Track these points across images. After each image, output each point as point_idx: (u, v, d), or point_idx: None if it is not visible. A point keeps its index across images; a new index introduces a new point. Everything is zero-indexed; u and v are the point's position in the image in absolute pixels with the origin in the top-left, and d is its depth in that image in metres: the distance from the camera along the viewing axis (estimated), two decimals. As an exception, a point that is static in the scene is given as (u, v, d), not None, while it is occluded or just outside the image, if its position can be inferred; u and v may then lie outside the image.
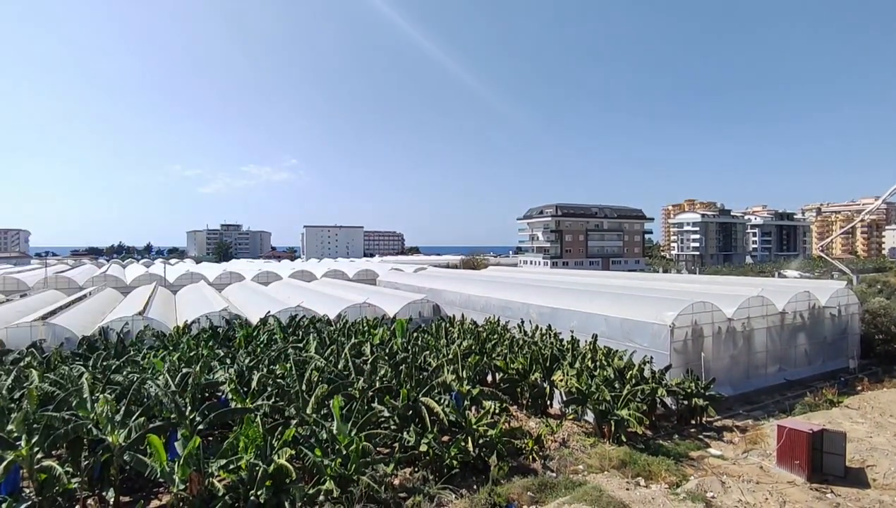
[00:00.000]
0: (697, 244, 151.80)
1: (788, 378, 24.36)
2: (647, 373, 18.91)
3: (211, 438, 14.84)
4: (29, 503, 10.95)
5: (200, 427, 13.15)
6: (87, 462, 12.27)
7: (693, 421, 18.85)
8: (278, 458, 11.25)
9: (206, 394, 17.05)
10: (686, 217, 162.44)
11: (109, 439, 12.02)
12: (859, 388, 23.22)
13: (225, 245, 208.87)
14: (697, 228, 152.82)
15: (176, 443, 11.41)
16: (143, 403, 14.29)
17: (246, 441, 11.61)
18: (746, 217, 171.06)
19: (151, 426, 12.44)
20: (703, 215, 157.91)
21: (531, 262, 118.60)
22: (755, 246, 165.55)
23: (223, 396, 16.53)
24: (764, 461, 15.57)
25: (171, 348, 23.06)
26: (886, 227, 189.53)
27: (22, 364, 20.29)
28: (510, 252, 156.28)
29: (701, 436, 17.76)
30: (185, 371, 17.04)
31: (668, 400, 18.72)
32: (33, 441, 11.53)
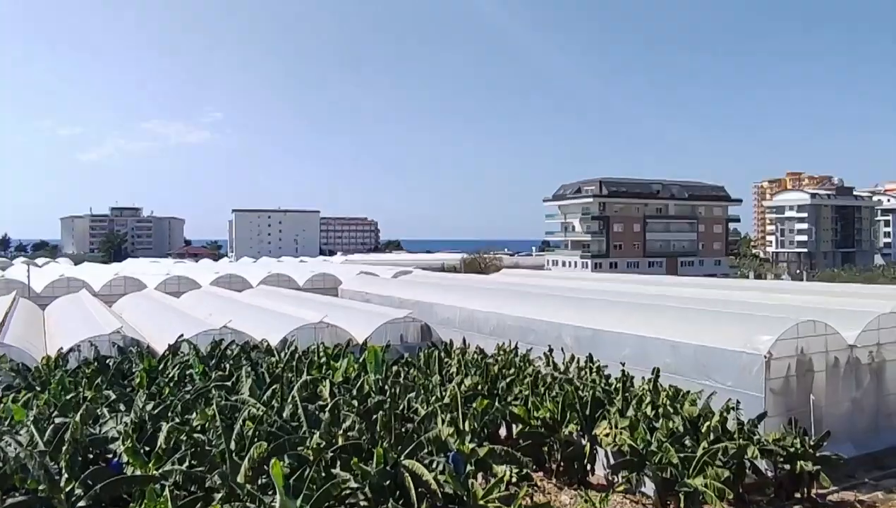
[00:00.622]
0: (805, 237, 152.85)
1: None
2: (731, 425, 18.98)
3: (97, 519, 14.81)
4: None
5: (82, 503, 13.12)
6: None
7: (798, 494, 18.97)
8: (196, 549, 11.25)
9: (91, 455, 16.99)
10: (789, 197, 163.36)
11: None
12: None
13: (117, 238, 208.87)
14: (805, 214, 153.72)
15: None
16: (-3, 469, 14.23)
17: (148, 525, 11.61)
18: (876, 198, 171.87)
19: (9, 502, 12.40)
20: (813, 195, 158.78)
21: (564, 263, 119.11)
22: (889, 239, 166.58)
23: (115, 459, 16.49)
24: (900, 551, 15.71)
25: (37, 388, 22.97)
26: None
27: None
28: (533, 248, 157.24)
29: (809, 516, 17.89)
30: (59, 421, 17.00)
31: (762, 464, 18.81)
32: None
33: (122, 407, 19.79)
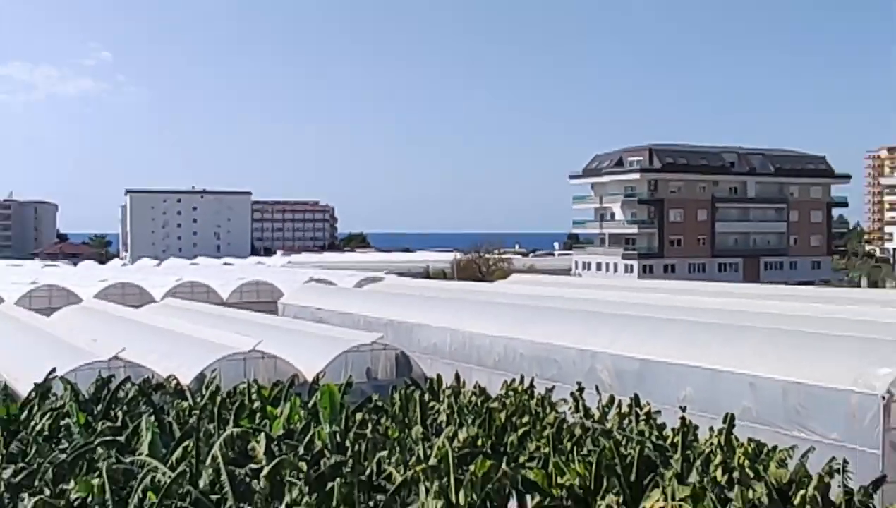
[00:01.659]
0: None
1: None
2: (836, 494, 19.18)
3: None
4: None
5: None
6: None
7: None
8: None
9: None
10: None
11: None
12: None
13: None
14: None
15: None
16: None
17: None
18: None
19: None
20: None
21: (600, 266, 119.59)
22: None
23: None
24: None
25: None
26: None
27: None
28: (556, 244, 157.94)
29: None
30: None
31: (878, 552, 19.02)
32: None
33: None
